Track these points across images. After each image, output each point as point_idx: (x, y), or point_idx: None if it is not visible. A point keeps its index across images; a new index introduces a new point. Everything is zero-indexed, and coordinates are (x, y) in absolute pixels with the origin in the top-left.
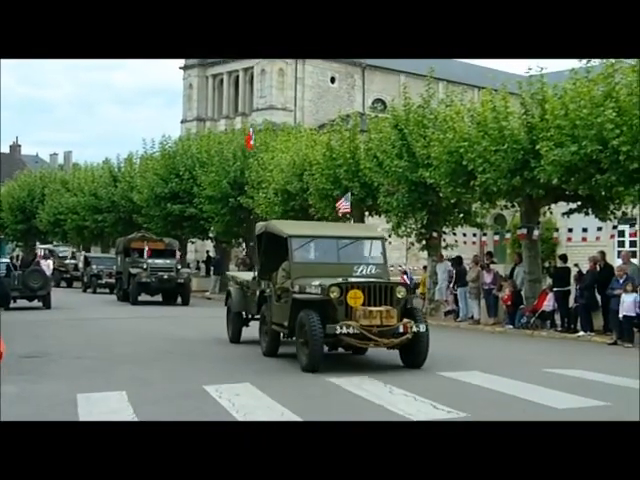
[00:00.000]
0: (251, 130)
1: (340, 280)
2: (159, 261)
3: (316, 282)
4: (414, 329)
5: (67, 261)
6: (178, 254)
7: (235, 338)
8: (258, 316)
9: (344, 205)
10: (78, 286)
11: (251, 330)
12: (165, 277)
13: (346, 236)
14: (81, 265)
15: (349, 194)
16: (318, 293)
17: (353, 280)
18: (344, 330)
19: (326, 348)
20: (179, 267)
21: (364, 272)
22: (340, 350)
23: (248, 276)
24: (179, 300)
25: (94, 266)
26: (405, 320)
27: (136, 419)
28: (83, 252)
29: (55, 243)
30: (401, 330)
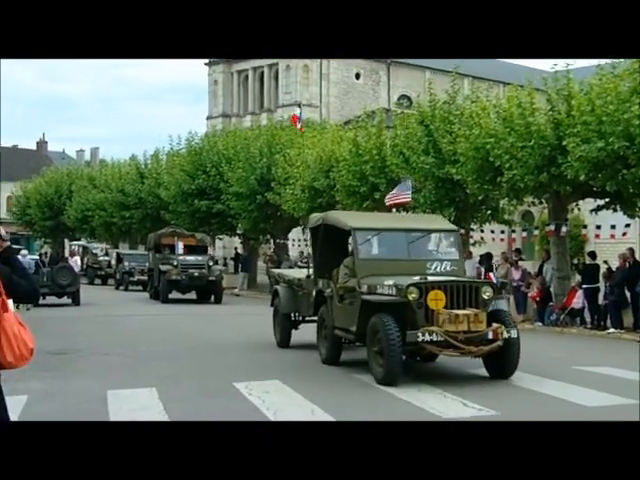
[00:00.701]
0: (299, 112)
1: (418, 279)
2: (190, 258)
3: (389, 281)
4: (505, 335)
5: (100, 258)
6: (210, 250)
7: (284, 342)
8: (310, 318)
9: (403, 195)
10: (112, 283)
11: (301, 333)
12: (196, 274)
13: (417, 228)
14: (114, 262)
15: (409, 181)
16: (393, 294)
17: (434, 279)
18: (427, 337)
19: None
20: (211, 264)
21: (438, 269)
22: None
23: (299, 274)
24: (212, 298)
25: (126, 263)
26: (494, 325)
27: (166, 416)
28: (115, 249)
29: (84, 240)
30: (490, 336)
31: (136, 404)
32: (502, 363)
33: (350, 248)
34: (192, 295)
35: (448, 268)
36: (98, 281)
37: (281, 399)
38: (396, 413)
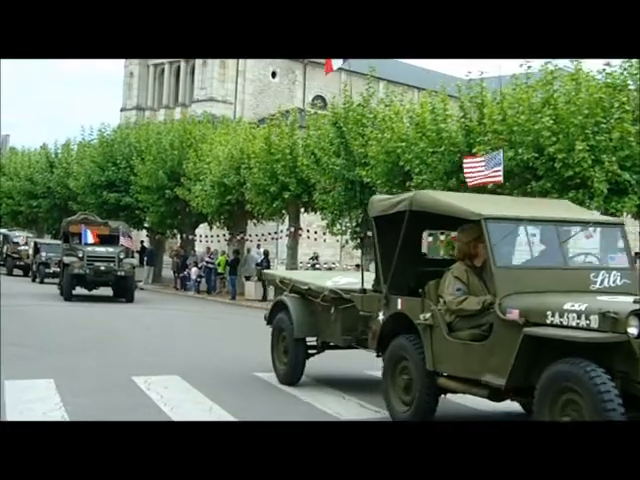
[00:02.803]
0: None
1: (637, 305)
2: (99, 249)
3: (578, 305)
4: None
5: (21, 247)
6: (127, 241)
7: (295, 376)
8: (332, 343)
9: (494, 171)
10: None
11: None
12: (102, 268)
13: (572, 220)
14: (31, 252)
15: (501, 155)
16: (593, 326)
17: None
18: None
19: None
20: (122, 256)
21: (606, 283)
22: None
23: (324, 280)
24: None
25: (43, 253)
26: None
27: (62, 409)
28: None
29: (4, 228)
30: None
31: (33, 395)
32: None
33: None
34: (108, 291)
35: (619, 282)
36: (19, 272)
37: (180, 395)
38: (297, 414)
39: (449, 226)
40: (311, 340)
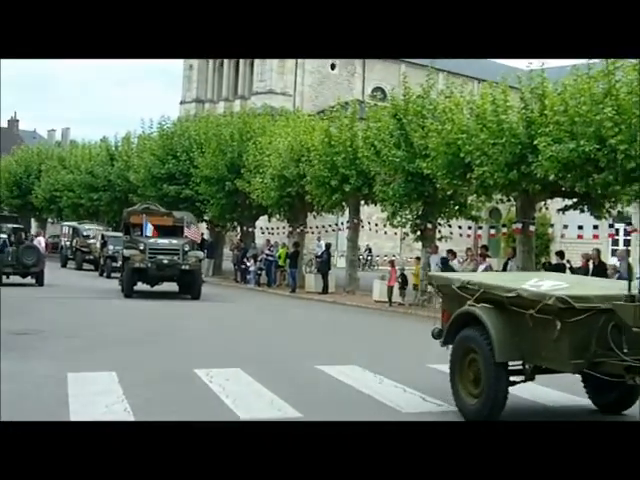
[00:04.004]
0: None
1: None
2: (162, 241)
3: None
4: None
5: (91, 241)
6: (190, 232)
7: (494, 411)
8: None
9: None
10: None
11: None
12: (165, 262)
13: None
14: (99, 245)
15: None
16: None
17: None
18: None
19: None
20: (187, 249)
21: None
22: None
23: (520, 283)
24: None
25: (110, 247)
26: None
27: (125, 401)
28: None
29: (50, 220)
30: None
31: (96, 387)
32: None
33: None
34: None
35: None
36: (90, 266)
37: (241, 388)
38: (356, 405)
39: None
40: (514, 364)
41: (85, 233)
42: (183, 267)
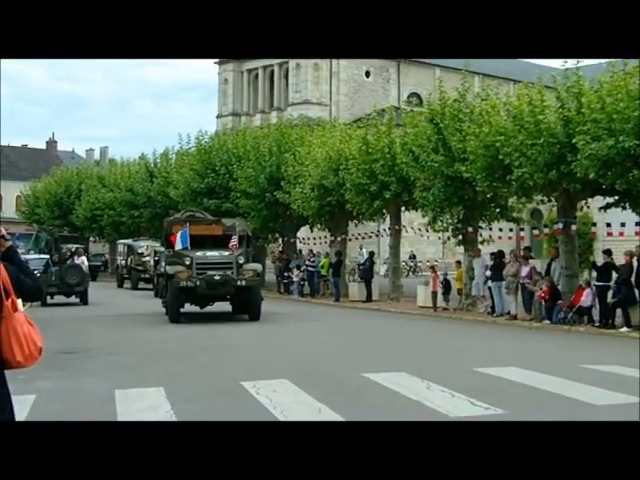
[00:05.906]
0: None
1: None
2: (212, 253)
3: None
4: None
5: (145, 259)
6: (233, 240)
7: None
8: None
9: None
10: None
11: None
12: (216, 278)
13: None
14: (152, 263)
15: None
16: None
17: None
18: None
19: None
20: (241, 261)
21: None
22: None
23: None
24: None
25: (163, 264)
26: None
27: (174, 416)
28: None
29: (92, 239)
30: None
31: (144, 404)
32: None
33: None
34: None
35: None
36: (146, 285)
37: (289, 398)
38: (404, 412)
39: None
40: None
41: (139, 250)
42: (239, 283)
